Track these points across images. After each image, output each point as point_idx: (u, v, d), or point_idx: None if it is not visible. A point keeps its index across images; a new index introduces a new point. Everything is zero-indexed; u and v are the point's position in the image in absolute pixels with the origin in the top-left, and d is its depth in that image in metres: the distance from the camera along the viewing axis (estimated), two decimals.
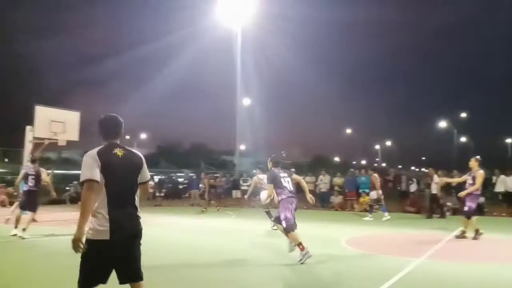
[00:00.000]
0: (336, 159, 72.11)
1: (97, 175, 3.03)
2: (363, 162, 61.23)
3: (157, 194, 22.37)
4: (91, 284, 3.09)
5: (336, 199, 17.51)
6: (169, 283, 5.32)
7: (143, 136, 61.10)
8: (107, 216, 3.04)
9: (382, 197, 13.72)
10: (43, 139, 15.97)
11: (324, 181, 18.13)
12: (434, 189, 13.88)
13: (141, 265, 3.24)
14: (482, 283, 5.39)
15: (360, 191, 16.81)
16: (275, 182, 6.78)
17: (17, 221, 8.99)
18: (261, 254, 7.36)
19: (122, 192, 3.17)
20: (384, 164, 54.54)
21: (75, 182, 25.25)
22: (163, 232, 10.27)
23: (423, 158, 62.91)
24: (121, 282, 3.18)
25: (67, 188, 23.29)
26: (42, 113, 15.73)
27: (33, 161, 9.72)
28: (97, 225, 3.03)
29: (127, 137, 63.90)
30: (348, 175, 18.10)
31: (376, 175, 13.78)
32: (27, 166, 10.03)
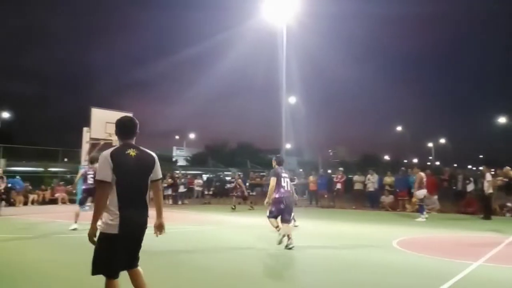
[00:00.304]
0: (386, 157, 70.00)
1: (108, 176, 3.28)
2: (415, 160, 58.92)
3: (206, 192, 22.83)
4: (102, 271, 3.31)
5: (387, 198, 16.97)
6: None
7: (191, 135, 62.79)
8: (117, 212, 3.26)
9: (436, 197, 13.13)
10: (99, 139, 16.78)
11: (372, 180, 17.66)
12: (487, 188, 13.17)
13: (139, 253, 3.48)
14: None
15: (412, 190, 16.25)
16: (277, 179, 7.53)
17: (77, 216, 9.58)
18: (313, 253, 7.28)
19: (132, 190, 3.38)
20: (438, 163, 52.24)
21: None
22: (211, 229, 10.46)
23: (481, 156, 59.43)
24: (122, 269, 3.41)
25: None
26: (97, 114, 16.54)
27: (92, 161, 10.30)
28: (108, 220, 3.27)
29: (177, 137, 66.15)
30: (399, 174, 17.50)
31: (422, 173, 13.23)
32: (85, 166, 10.70)
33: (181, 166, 41.03)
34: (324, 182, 19.18)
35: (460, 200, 15.85)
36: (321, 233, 10.22)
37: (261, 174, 24.85)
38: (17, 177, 21.73)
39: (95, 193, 10.22)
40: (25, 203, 19.09)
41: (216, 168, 40.49)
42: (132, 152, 3.45)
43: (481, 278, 5.43)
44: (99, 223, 3.32)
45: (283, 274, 5.74)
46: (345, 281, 5.34)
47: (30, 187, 20.75)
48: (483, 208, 13.56)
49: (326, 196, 19.24)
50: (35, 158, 29.48)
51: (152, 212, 3.53)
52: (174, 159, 52.67)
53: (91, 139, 16.74)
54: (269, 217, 7.82)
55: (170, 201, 21.91)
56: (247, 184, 22.07)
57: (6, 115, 41.54)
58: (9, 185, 20.92)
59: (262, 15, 26.74)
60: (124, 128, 3.61)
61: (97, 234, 3.31)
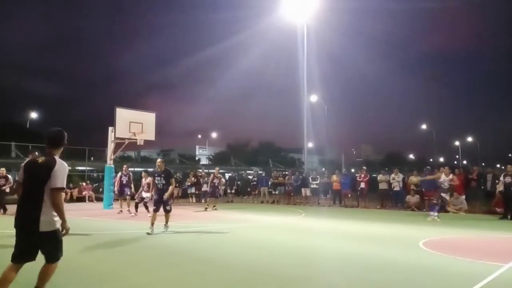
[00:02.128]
0: (411, 156, 68.67)
1: (20, 178, 4.01)
2: (441, 159, 57.62)
3: (228, 191, 22.92)
4: (14, 259, 3.85)
5: (412, 198, 16.63)
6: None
7: (214, 135, 63.21)
8: (16, 209, 3.90)
9: (463, 197, 12.73)
10: (124, 138, 17.07)
11: (396, 180, 17.34)
12: None
13: (52, 253, 3.87)
14: None
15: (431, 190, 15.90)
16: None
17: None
18: (340, 253, 7.22)
19: (26, 193, 3.91)
20: (464, 162, 50.92)
21: None
22: (236, 228, 10.48)
23: (510, 155, 57.55)
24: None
25: None
26: (122, 114, 16.82)
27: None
28: None
29: (199, 136, 66.69)
30: (426, 174, 17.11)
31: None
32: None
33: (203, 165, 41.38)
34: (347, 182, 18.95)
35: (489, 200, 15.38)
36: (347, 233, 10.11)
37: (284, 173, 24.72)
38: None
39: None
40: None
41: (238, 167, 40.60)
42: (40, 160, 3.96)
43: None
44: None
45: (310, 273, 5.68)
46: (372, 281, 5.25)
47: None
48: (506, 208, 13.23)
49: (349, 195, 19.01)
50: (62, 157, 30.21)
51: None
52: (197, 158, 53.13)
53: (116, 138, 17.04)
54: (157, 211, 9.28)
55: (194, 200, 22.11)
56: (270, 183, 22.04)
57: (34, 115, 42.90)
58: None
59: (282, 13, 26.69)
60: (45, 140, 4.10)
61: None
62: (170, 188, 9.37)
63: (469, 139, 60.97)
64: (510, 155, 58.85)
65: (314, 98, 33.80)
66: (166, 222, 9.51)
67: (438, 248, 7.48)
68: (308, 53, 26.84)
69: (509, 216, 12.85)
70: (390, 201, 17.90)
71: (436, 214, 12.50)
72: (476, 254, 6.90)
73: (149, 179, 12.33)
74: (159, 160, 9.95)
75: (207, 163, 50.38)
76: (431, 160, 57.66)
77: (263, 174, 23.87)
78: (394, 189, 17.41)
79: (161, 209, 9.36)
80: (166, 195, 9.27)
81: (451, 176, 12.64)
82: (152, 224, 9.04)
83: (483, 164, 39.42)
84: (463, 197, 15.49)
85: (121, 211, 14.28)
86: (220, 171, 18.40)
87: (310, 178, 20.34)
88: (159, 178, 9.39)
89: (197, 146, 64.01)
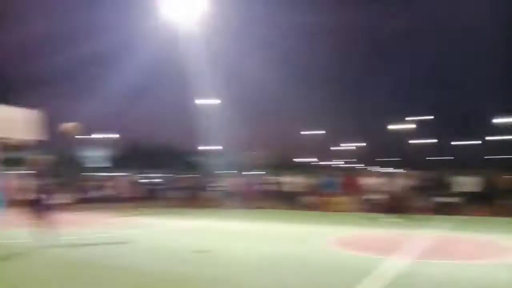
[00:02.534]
0: (308, 159, 72.47)
1: None
2: (340, 163, 62.33)
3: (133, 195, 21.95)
4: None
5: (310, 199, 17.59)
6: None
7: (110, 136, 59.30)
8: None
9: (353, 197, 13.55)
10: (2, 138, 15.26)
11: (295, 181, 18.24)
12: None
13: None
14: (478, 285, 5.30)
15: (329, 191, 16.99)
16: None
17: None
18: (238, 253, 7.42)
19: None
20: (362, 165, 55.31)
21: None
22: (142, 233, 10.15)
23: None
24: None
25: None
26: None
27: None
28: None
29: (95, 136, 62.08)
30: (323, 176, 18.31)
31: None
32: None
33: (102, 168, 38.92)
34: (250, 183, 19.40)
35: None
36: (249, 233, 10.41)
37: (188, 177, 24.54)
38: None
39: None
40: None
41: (142, 171, 38.96)
42: None
43: (403, 273, 5.82)
44: None
45: (220, 274, 5.75)
46: (277, 279, 5.48)
47: None
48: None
49: (251, 197, 19.42)
50: None
51: None
52: (84, 161, 49.19)
53: None
54: None
55: (97, 205, 20.70)
56: (173, 187, 21.63)
57: None
58: None
59: (170, 14, 26.22)
60: None
61: None
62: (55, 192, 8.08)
63: (358, 144, 65.54)
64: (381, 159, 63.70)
65: (211, 101, 33.86)
66: (52, 230, 7.82)
67: (338, 244, 8.12)
68: (200, 58, 26.78)
69: (397, 216, 14.07)
70: (290, 201, 18.69)
71: (388, 217, 12.89)
72: (367, 249, 7.69)
73: (24, 182, 9.45)
74: (33, 156, 8.34)
75: (100, 166, 47.30)
76: (327, 162, 61.46)
77: (167, 178, 23.36)
78: (292, 190, 18.25)
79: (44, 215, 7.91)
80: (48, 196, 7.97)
81: (382, 179, 14.07)
82: (37, 232, 7.74)
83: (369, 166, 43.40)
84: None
85: (12, 217, 12.64)
86: (121, 174, 17.62)
87: (212, 180, 20.39)
88: (39, 177, 8.05)
89: (88, 147, 59.54)
